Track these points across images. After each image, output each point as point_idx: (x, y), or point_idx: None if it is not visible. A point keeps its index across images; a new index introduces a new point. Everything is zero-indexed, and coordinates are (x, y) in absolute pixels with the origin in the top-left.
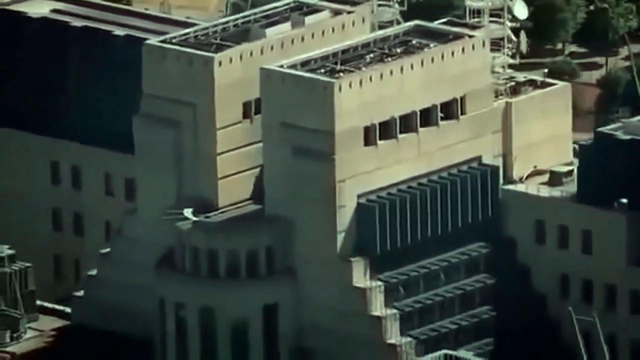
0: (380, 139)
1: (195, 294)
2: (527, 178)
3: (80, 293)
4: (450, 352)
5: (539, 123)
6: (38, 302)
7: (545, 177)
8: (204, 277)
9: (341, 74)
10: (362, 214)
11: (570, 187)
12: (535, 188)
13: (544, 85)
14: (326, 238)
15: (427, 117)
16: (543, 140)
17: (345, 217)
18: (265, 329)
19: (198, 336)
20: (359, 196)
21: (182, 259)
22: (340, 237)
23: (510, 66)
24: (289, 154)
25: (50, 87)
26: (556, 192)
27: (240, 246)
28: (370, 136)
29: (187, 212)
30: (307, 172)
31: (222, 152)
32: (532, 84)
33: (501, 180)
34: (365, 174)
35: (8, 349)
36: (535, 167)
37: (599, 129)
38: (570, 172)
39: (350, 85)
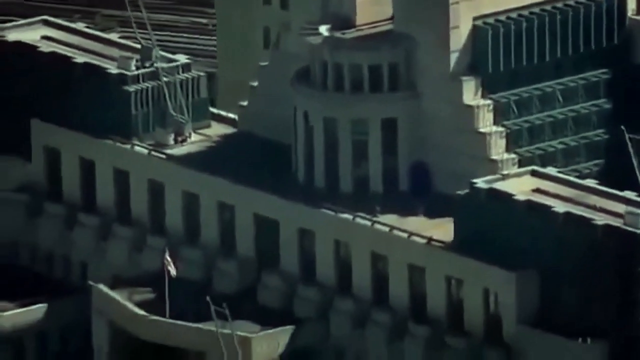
0: None
1: (320, 105)
2: None
3: (245, 102)
4: (538, 168)
5: None
6: (216, 111)
7: None
8: (329, 89)
9: None
10: (476, 35)
11: None
12: None
13: None
14: (440, 57)
15: None
16: None
17: (459, 37)
18: (384, 142)
19: (322, 145)
20: (474, 19)
21: (314, 72)
22: (453, 57)
23: None
24: None
25: None
26: None
27: (363, 61)
28: None
29: (322, 28)
30: None
31: None
32: None
33: (631, 10)
34: None
35: (169, 151)
36: None
37: None
38: None
39: None
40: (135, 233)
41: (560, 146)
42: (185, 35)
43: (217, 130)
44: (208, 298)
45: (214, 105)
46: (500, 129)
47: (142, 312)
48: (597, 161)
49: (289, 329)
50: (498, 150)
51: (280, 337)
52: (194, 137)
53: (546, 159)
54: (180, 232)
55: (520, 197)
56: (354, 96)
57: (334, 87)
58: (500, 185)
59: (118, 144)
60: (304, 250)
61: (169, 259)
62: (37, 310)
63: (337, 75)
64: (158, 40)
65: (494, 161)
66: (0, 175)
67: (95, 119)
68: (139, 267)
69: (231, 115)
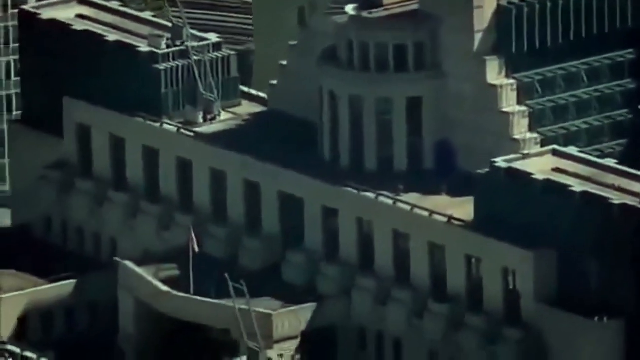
0: None
1: (346, 84)
2: None
3: (275, 81)
4: (559, 148)
5: None
6: (246, 89)
7: None
8: (355, 68)
9: None
10: (500, 15)
11: None
12: None
13: None
14: (465, 37)
15: None
16: None
17: (483, 18)
18: (408, 121)
19: (347, 124)
20: None
21: (340, 51)
22: (477, 37)
23: None
24: None
25: None
26: None
27: (389, 40)
28: None
29: (349, 8)
30: None
31: None
32: None
33: None
34: None
35: (198, 129)
36: None
37: None
38: None
39: None
40: (164, 210)
41: (584, 126)
42: (235, 15)
43: (247, 108)
44: (226, 275)
45: (249, 84)
46: (523, 108)
47: (165, 288)
48: (620, 141)
49: (311, 306)
50: (521, 129)
51: (302, 314)
52: (224, 115)
53: (570, 139)
54: (208, 210)
55: (539, 176)
56: (380, 75)
57: (360, 66)
58: (519, 165)
59: (148, 122)
60: (327, 228)
61: (193, 235)
62: (66, 285)
63: (362, 54)
64: (209, 20)
65: (517, 140)
66: (34, 152)
67: (126, 96)
68: (167, 244)
69: (262, 94)
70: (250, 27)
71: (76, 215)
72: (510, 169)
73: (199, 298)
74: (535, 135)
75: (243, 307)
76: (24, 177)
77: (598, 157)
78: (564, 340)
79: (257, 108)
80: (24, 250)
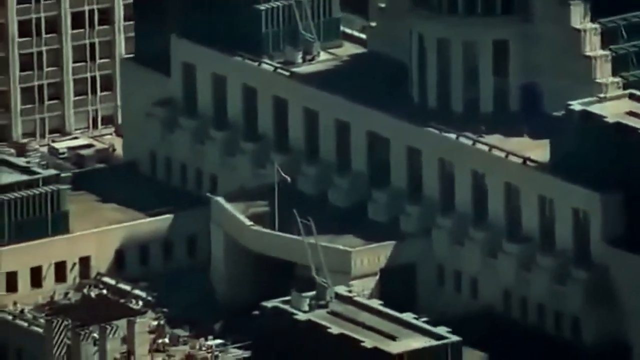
0: None
1: (434, 27)
2: None
3: (373, 23)
4: (636, 92)
5: None
6: (349, 31)
7: None
8: (443, 11)
9: None
10: None
11: None
12: None
13: None
14: None
15: None
16: None
17: None
18: (495, 63)
19: (435, 66)
20: None
21: None
22: None
23: None
24: None
25: None
26: None
27: None
28: None
29: None
30: None
31: None
32: None
33: None
34: None
35: (295, 69)
36: None
37: None
38: None
39: None
40: (260, 148)
41: None
42: None
43: (348, 50)
44: (295, 210)
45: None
46: (606, 52)
47: (249, 223)
48: None
49: (389, 244)
50: (603, 73)
51: (381, 251)
52: (323, 56)
53: None
54: (301, 148)
55: (611, 119)
56: (467, 18)
57: (448, 9)
58: (595, 108)
59: (246, 61)
60: (411, 168)
61: (281, 172)
62: (163, 220)
63: None
64: None
65: (599, 84)
66: (143, 90)
67: (229, 36)
68: (262, 181)
69: (363, 36)
70: None
71: (179, 152)
72: (583, 111)
73: (279, 233)
74: (617, 79)
75: (312, 242)
76: (133, 114)
77: None
78: (629, 281)
79: (359, 49)
80: (130, 186)
